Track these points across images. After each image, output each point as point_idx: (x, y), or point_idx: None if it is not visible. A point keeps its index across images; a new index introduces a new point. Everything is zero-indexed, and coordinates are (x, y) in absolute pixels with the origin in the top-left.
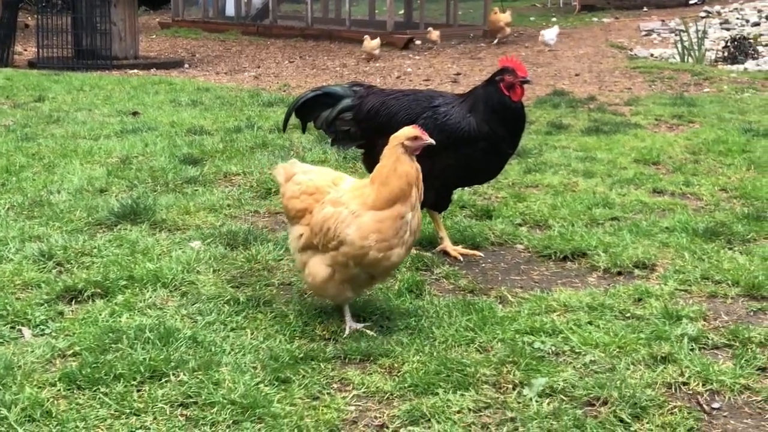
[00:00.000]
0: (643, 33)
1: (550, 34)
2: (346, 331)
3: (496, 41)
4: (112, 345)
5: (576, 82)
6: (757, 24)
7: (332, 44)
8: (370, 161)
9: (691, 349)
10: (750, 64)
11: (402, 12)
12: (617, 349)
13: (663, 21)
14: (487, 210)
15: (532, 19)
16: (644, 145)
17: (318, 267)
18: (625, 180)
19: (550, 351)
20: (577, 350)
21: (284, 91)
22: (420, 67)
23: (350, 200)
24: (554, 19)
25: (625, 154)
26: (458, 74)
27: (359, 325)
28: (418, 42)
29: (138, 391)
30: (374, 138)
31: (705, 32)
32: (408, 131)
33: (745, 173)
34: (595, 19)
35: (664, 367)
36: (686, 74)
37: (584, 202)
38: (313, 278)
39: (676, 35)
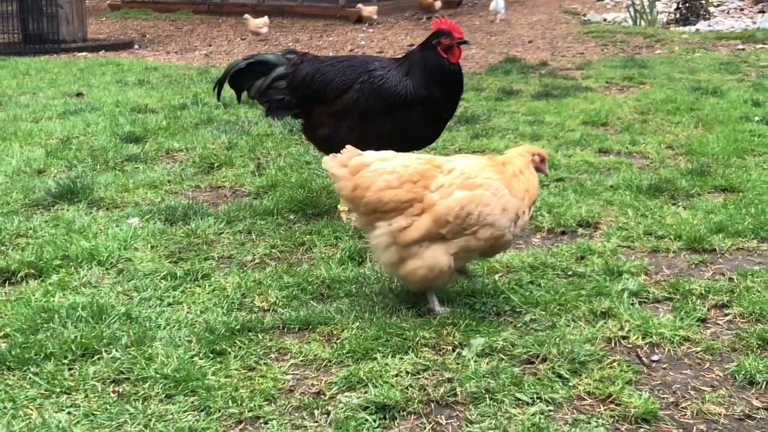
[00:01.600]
0: None
1: (499, 2)
2: (437, 310)
3: (425, 18)
4: (44, 324)
5: (529, 48)
6: None
7: (285, 20)
8: (309, 129)
9: (632, 304)
10: (702, 25)
11: None
12: (558, 307)
13: None
14: None
15: None
16: (593, 108)
17: (440, 257)
18: (572, 141)
19: (490, 311)
20: (517, 310)
21: None
22: (373, 40)
23: (489, 180)
24: None
25: (573, 117)
26: (412, 45)
27: (444, 309)
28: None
29: (69, 369)
30: (310, 106)
31: None
32: (542, 152)
33: (692, 131)
34: None
35: (604, 323)
36: (638, 37)
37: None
38: (430, 270)
39: None
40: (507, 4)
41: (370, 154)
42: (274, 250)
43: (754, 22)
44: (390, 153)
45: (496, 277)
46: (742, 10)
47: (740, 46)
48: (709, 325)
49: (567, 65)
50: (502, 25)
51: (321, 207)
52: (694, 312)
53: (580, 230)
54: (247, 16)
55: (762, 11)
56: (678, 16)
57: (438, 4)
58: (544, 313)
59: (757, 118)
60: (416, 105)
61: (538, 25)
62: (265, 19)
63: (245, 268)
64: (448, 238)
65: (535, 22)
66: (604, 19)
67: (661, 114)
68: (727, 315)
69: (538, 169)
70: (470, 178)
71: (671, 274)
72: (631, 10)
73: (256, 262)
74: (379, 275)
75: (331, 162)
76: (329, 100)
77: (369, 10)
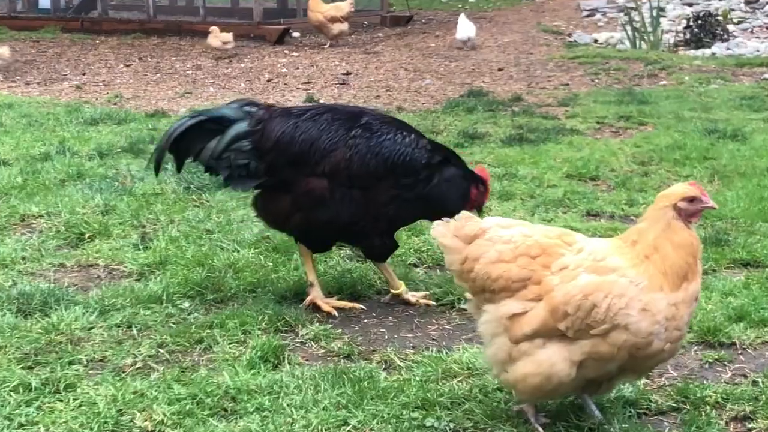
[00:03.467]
0: (585, 13)
1: (466, 30)
2: (534, 423)
3: (328, 44)
4: None
5: (499, 78)
6: None
7: (182, 40)
8: (278, 205)
9: (629, 416)
10: (718, 48)
11: None
12: None
13: None
14: None
15: (443, 0)
16: (580, 156)
17: (557, 363)
18: (553, 201)
19: (446, 429)
20: (482, 426)
21: (115, 103)
22: (298, 66)
23: (627, 266)
24: (472, 0)
25: (555, 169)
26: (348, 74)
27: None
28: (296, 34)
29: None
30: (288, 173)
31: (661, 9)
32: (683, 189)
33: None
34: None
35: None
36: (638, 63)
37: None
38: (546, 379)
39: (625, 14)
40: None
41: (490, 220)
42: (162, 350)
43: None
44: (513, 220)
45: (454, 382)
46: None
47: (767, 75)
48: None
49: (547, 100)
50: (465, 49)
51: (225, 291)
52: (708, 427)
53: None
54: None
55: None
56: (688, 36)
57: (338, 27)
58: (515, 430)
59: None
60: (423, 169)
61: (510, 48)
62: (5, 49)
63: (123, 375)
64: (569, 337)
65: (507, 44)
66: (595, 41)
67: (667, 164)
68: (750, 430)
69: (693, 215)
70: (601, 261)
71: (679, 377)
72: (628, 28)
73: (137, 366)
74: (300, 382)
75: (442, 229)
76: (312, 164)
77: (220, 39)
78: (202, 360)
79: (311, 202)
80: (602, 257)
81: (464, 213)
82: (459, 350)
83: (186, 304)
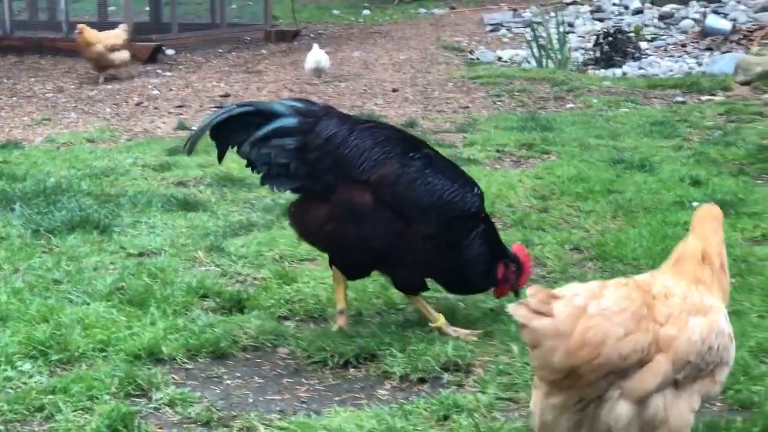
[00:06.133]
0: (489, 28)
1: (316, 58)
2: None
3: (102, 78)
4: None
5: (393, 100)
6: (639, 12)
7: (43, 59)
8: (313, 213)
9: None
10: (630, 68)
11: (147, 9)
12: None
13: (515, 10)
14: (239, 299)
15: (335, 12)
16: None
17: (687, 416)
18: None
19: None
20: None
21: None
22: (172, 87)
23: (715, 300)
24: (366, 12)
25: None
26: (226, 96)
27: None
28: (170, 52)
29: None
30: (330, 177)
31: (570, 24)
32: (716, 208)
33: (608, 223)
34: (423, 10)
35: None
36: (544, 84)
37: (366, 280)
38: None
39: (531, 30)
40: (362, 37)
41: (573, 291)
42: None
43: (700, 64)
44: (591, 285)
45: None
46: (683, 46)
47: (680, 98)
48: None
49: (444, 125)
50: (357, 66)
51: (72, 350)
52: None
53: (446, 376)
54: None
55: (710, 48)
56: (598, 54)
57: (120, 56)
58: None
59: (695, 204)
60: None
61: (406, 67)
62: None
63: None
64: (682, 386)
65: (403, 61)
66: (499, 58)
67: (568, 198)
68: None
69: None
70: (698, 301)
71: None
72: (534, 45)
73: None
74: None
75: (523, 311)
76: (357, 171)
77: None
78: (43, 430)
79: (347, 215)
80: (695, 297)
81: (536, 287)
82: (330, 414)
83: (27, 366)
